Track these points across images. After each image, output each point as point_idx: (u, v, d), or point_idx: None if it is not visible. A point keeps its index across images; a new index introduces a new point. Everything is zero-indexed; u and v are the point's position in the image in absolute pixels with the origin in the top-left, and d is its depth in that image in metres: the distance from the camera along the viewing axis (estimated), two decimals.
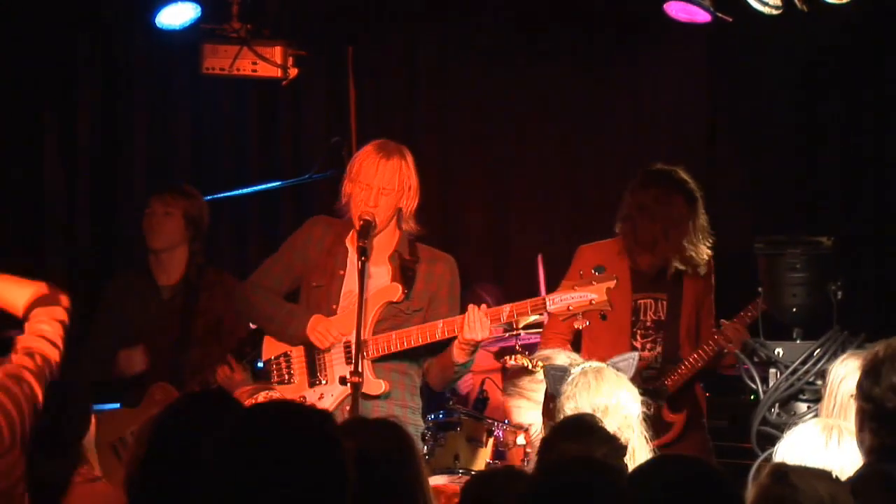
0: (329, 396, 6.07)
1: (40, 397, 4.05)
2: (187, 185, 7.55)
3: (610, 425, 4.50)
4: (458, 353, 5.96)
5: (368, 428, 3.81)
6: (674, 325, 6.91)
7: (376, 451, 3.63)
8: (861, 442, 4.24)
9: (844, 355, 4.94)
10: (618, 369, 4.74)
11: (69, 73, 8.64)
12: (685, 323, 6.93)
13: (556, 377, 4.71)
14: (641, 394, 4.77)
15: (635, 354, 4.89)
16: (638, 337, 6.90)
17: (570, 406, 4.61)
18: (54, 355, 4.29)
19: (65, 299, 4.48)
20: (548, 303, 5.88)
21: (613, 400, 4.60)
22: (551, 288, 7.08)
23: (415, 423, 6.11)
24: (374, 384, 5.97)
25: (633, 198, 6.90)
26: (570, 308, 5.83)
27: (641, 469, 3.34)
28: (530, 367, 5.35)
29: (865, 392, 4.24)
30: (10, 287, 4.39)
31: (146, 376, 7.19)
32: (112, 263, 8.66)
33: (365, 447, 3.59)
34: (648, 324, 6.91)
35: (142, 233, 7.45)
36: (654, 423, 6.71)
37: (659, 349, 6.90)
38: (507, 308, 5.97)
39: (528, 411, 5.36)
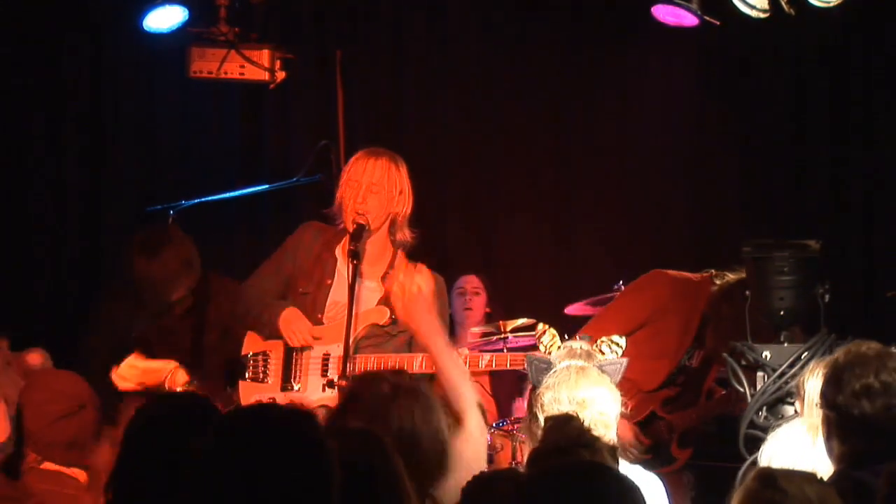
0: None
1: None
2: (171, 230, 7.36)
3: (584, 419, 4.52)
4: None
5: (346, 436, 3.78)
6: (701, 377, 6.91)
7: (353, 460, 3.60)
8: (830, 450, 4.24)
9: (813, 367, 4.93)
10: (603, 371, 4.75)
11: (56, 76, 8.63)
12: (711, 380, 6.96)
13: (540, 369, 4.75)
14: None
15: (624, 361, 4.89)
16: None
17: (549, 396, 4.65)
18: None
19: None
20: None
21: (591, 395, 4.63)
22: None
23: None
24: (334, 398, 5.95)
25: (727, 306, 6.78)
26: None
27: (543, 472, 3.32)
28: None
29: (829, 401, 4.22)
30: None
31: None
32: (102, 262, 8.66)
33: (342, 455, 3.56)
34: (683, 364, 6.89)
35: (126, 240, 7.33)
36: (661, 454, 6.76)
37: (679, 389, 6.89)
38: (487, 357, 6.10)
39: None
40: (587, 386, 4.65)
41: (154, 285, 6.99)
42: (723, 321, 6.68)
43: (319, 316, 6.13)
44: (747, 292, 6.11)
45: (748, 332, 6.15)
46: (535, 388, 4.75)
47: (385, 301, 6.10)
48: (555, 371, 4.71)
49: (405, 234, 6.21)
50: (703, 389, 6.96)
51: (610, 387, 4.71)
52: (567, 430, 4.13)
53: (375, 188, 6.09)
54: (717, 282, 6.76)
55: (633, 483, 3.27)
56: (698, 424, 6.90)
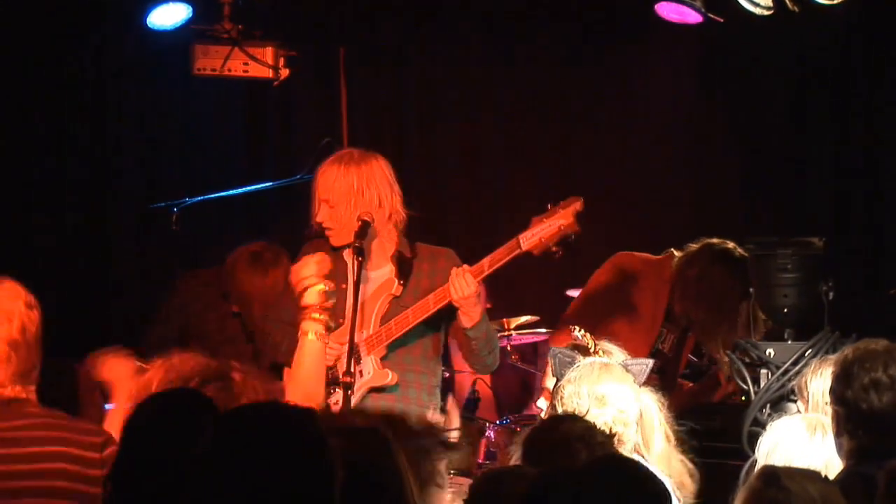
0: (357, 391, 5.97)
1: None
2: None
3: (604, 416, 4.51)
4: (462, 319, 5.88)
5: (349, 435, 3.76)
6: (676, 361, 6.95)
7: (355, 460, 3.59)
8: (839, 446, 4.24)
9: (815, 366, 4.93)
10: (628, 370, 4.73)
11: (59, 74, 8.63)
12: (684, 363, 6.99)
13: (564, 362, 4.74)
14: None
15: (650, 362, 4.86)
16: None
17: (569, 390, 4.62)
18: None
19: None
20: (521, 243, 5.86)
21: (611, 392, 4.61)
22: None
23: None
24: (380, 375, 5.87)
25: (721, 280, 6.77)
26: (542, 240, 5.82)
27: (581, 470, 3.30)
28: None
29: (838, 396, 4.24)
30: None
31: None
32: (101, 260, 8.66)
33: (344, 454, 3.55)
34: (657, 349, 6.92)
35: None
36: None
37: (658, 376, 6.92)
38: (485, 261, 5.95)
39: None
40: (608, 382, 4.63)
41: (254, 302, 6.99)
42: (688, 283, 6.76)
43: (340, 321, 6.04)
44: (751, 290, 6.12)
45: (752, 329, 6.16)
46: (557, 380, 4.74)
47: (394, 273, 6.02)
48: (578, 365, 4.70)
49: (399, 215, 6.08)
50: (678, 373, 7.01)
51: (632, 385, 4.68)
52: (592, 446, 4.08)
53: (332, 202, 5.93)
54: (678, 254, 6.89)
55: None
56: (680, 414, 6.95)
